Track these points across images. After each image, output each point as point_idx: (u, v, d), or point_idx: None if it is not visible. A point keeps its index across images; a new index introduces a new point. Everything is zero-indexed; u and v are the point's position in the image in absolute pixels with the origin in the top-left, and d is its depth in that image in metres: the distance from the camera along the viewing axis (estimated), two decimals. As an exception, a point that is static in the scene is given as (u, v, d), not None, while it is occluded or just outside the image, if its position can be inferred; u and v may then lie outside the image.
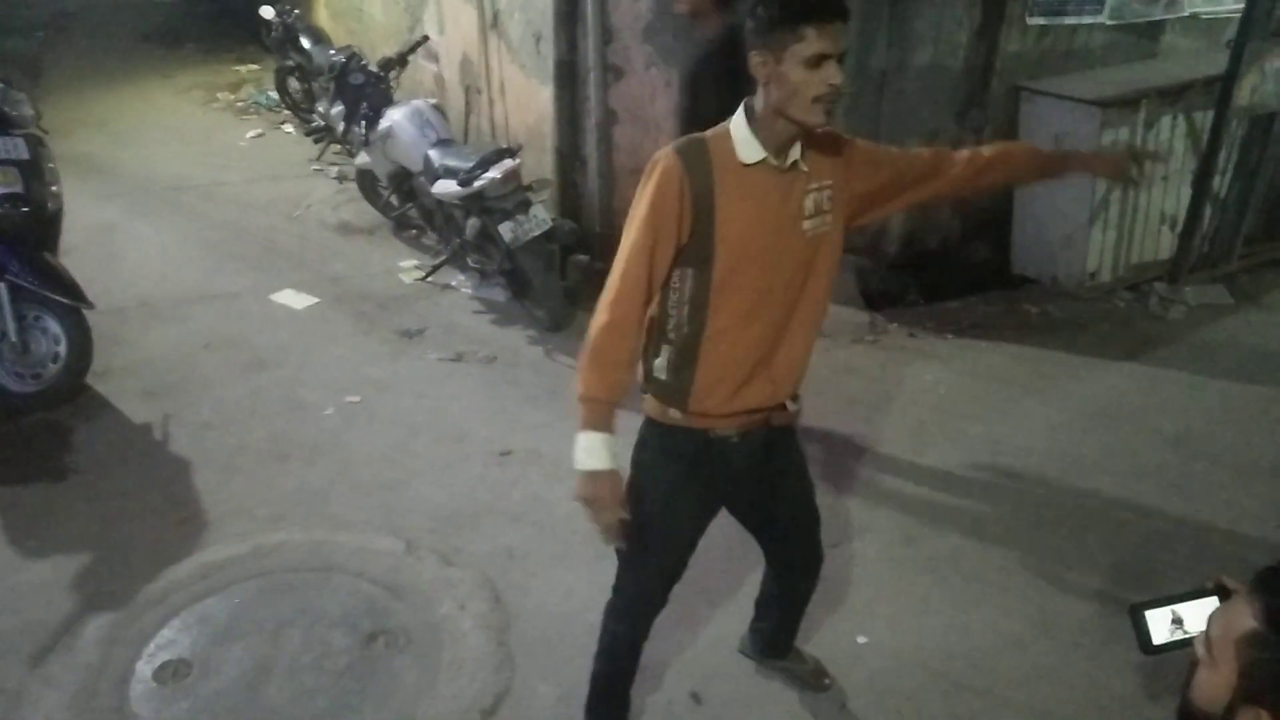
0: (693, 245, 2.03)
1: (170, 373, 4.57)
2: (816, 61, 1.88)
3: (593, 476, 2.07)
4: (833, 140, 2.12)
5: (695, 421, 2.19)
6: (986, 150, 2.32)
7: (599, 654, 2.57)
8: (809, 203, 2.06)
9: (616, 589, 2.48)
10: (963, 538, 3.57)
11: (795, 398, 2.30)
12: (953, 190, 2.32)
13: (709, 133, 2.06)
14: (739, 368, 2.14)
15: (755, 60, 1.95)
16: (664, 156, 2.03)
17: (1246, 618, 1.16)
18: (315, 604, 3.19)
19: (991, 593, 3.31)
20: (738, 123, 2.04)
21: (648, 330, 2.18)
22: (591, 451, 2.06)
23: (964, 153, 2.30)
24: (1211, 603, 1.36)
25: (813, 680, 2.89)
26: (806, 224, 2.07)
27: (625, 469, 2.19)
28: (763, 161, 2.01)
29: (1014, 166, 2.37)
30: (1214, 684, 1.20)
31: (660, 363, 2.17)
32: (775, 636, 2.87)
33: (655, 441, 2.27)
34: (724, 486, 2.34)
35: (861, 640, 3.08)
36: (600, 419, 2.07)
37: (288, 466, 3.92)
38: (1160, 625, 1.39)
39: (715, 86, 3.82)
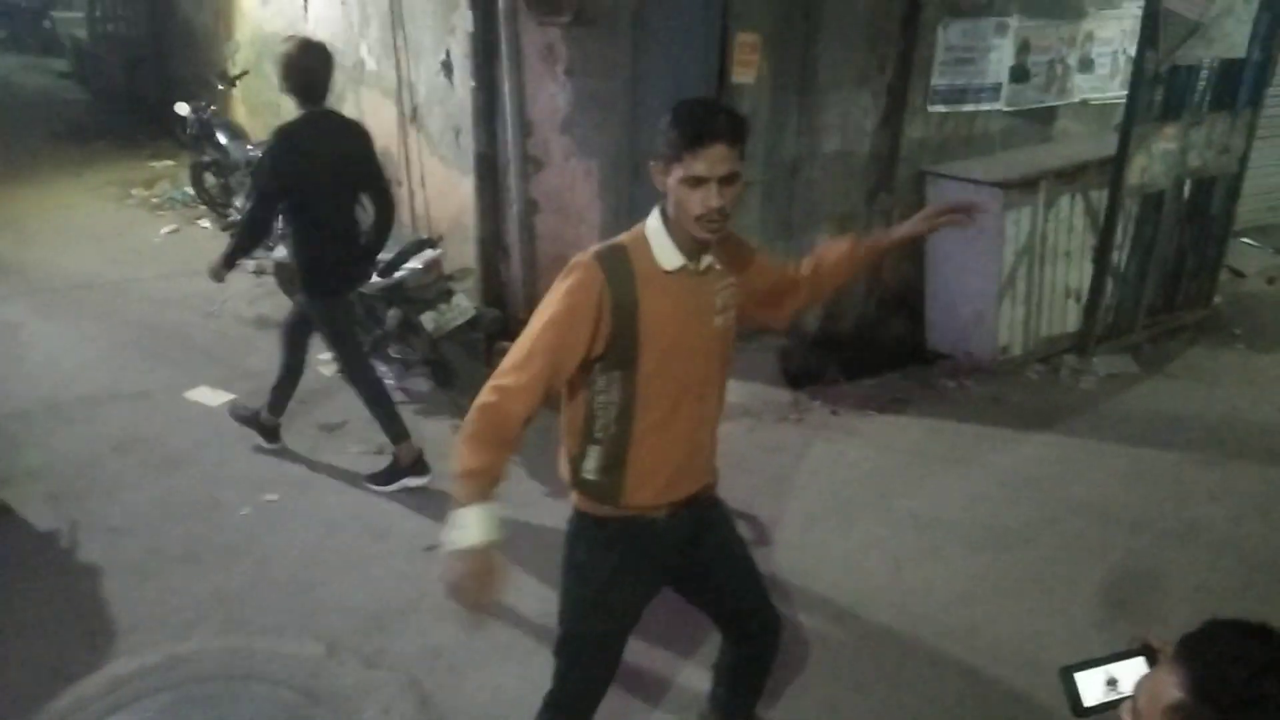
0: (615, 351, 2.06)
1: (77, 476, 4.39)
2: (695, 183, 1.97)
3: (465, 555, 1.94)
4: (737, 241, 2.25)
5: (625, 512, 2.20)
6: (826, 254, 2.40)
7: None
8: (718, 299, 2.16)
9: (555, 688, 2.39)
10: (893, 613, 3.58)
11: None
12: (814, 297, 2.46)
13: (625, 238, 2.11)
14: (668, 461, 2.18)
15: (652, 167, 2.06)
16: (585, 265, 2.04)
17: (1171, 688, 1.16)
18: (231, 715, 3.04)
19: (924, 668, 3.31)
20: (654, 227, 2.10)
21: (573, 432, 2.18)
22: (468, 527, 1.94)
23: (809, 262, 2.40)
24: (1139, 663, 1.38)
25: None
26: (717, 319, 2.17)
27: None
28: (682, 268, 2.08)
29: (849, 261, 2.40)
30: None
31: (590, 464, 2.17)
32: (732, 707, 2.72)
33: (588, 535, 2.26)
34: (661, 565, 2.32)
35: (798, 725, 3.05)
36: (481, 491, 1.97)
37: (202, 570, 3.77)
38: (1090, 687, 1.40)
39: None
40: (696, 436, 2.22)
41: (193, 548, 3.90)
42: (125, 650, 3.33)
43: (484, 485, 1.99)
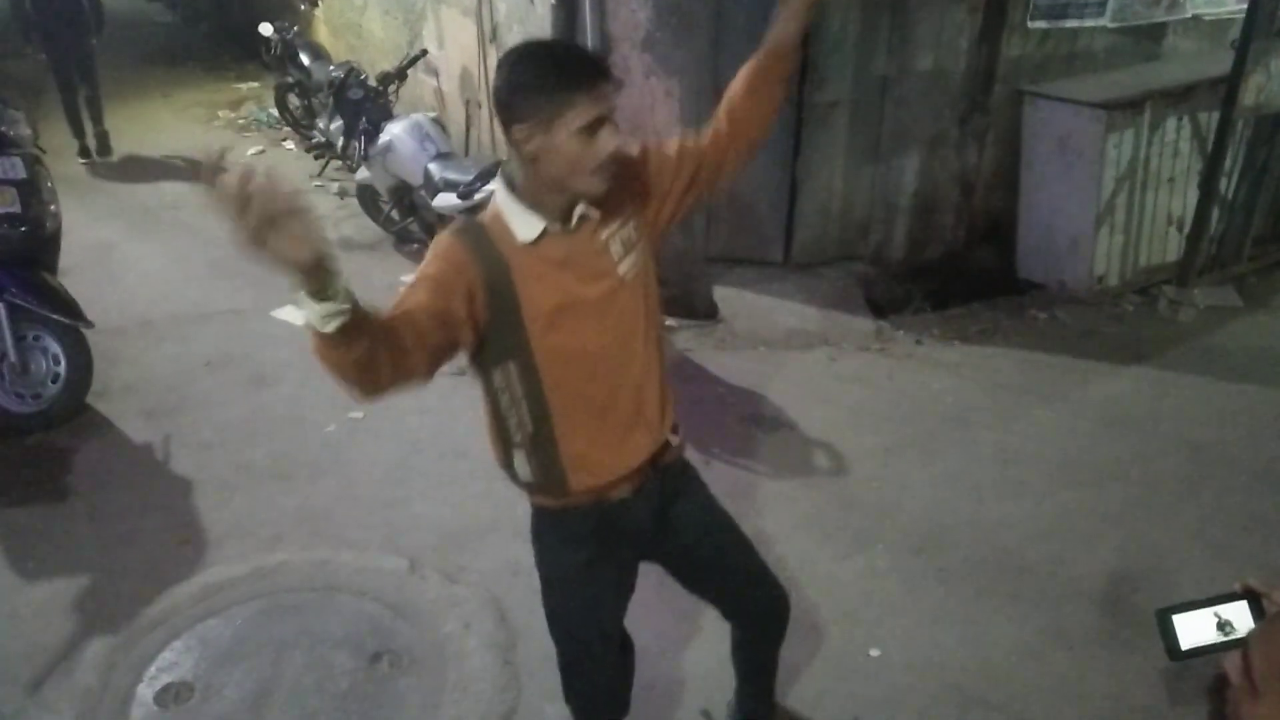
0: (498, 340, 1.84)
1: (171, 392, 4.53)
2: (593, 129, 1.73)
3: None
4: (620, 168, 1.88)
5: (584, 498, 2.01)
6: (733, 91, 2.03)
7: None
8: (616, 246, 1.89)
9: (563, 684, 2.31)
10: (974, 548, 3.52)
11: (675, 429, 2.10)
12: (748, 135, 2.05)
13: (481, 217, 1.88)
14: (606, 434, 1.96)
15: (518, 134, 1.75)
16: (444, 240, 1.83)
17: None
18: (318, 624, 3.14)
19: (1004, 603, 3.25)
20: (503, 198, 1.85)
21: (494, 441, 2.03)
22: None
23: (720, 110, 2.05)
24: (1240, 607, 1.31)
25: None
26: (622, 267, 1.90)
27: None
28: (544, 233, 1.83)
29: (759, 74, 2.02)
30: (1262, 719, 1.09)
31: (522, 469, 1.99)
32: (745, 693, 2.61)
33: (550, 530, 2.11)
34: (634, 550, 2.16)
35: (874, 653, 3.03)
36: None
37: (289, 485, 3.88)
38: (1188, 630, 1.34)
39: None
40: (638, 396, 1.97)
41: (280, 463, 4.01)
42: (216, 560, 3.46)
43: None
